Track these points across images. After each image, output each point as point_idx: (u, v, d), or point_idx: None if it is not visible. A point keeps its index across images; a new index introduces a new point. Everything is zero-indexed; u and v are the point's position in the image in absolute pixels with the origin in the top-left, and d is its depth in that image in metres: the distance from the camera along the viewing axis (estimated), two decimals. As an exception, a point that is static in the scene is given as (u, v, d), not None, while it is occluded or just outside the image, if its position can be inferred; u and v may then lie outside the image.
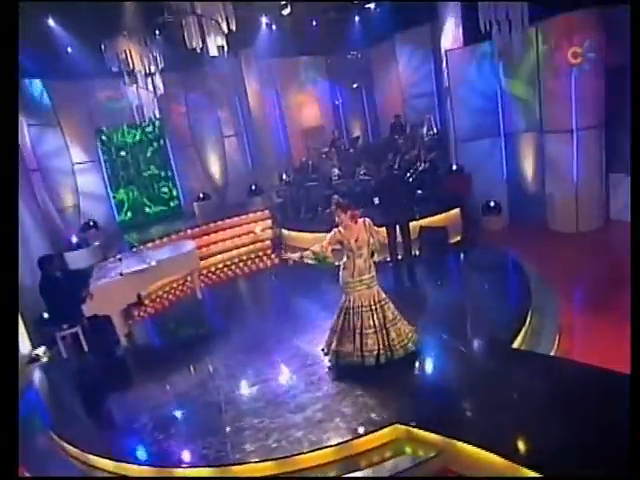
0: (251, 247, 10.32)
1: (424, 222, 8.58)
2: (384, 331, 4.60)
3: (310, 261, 4.58)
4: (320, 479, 3.54)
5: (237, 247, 10.27)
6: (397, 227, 7.29)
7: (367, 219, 4.65)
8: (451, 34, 9.92)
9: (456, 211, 9.27)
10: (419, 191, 9.48)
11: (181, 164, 12.45)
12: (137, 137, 11.98)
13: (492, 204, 9.28)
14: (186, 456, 3.95)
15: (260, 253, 10.06)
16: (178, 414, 4.61)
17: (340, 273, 4.69)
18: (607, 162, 7.99)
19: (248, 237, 10.54)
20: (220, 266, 9.67)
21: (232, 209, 11.54)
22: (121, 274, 6.23)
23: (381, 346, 4.57)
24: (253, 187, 11.53)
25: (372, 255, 4.67)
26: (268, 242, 10.45)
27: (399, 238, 7.38)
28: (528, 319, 5.19)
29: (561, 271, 6.69)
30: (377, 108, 13.59)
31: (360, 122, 14.00)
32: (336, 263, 4.73)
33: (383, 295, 4.69)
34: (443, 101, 11.14)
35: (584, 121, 7.79)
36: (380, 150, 11.74)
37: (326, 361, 4.88)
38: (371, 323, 4.56)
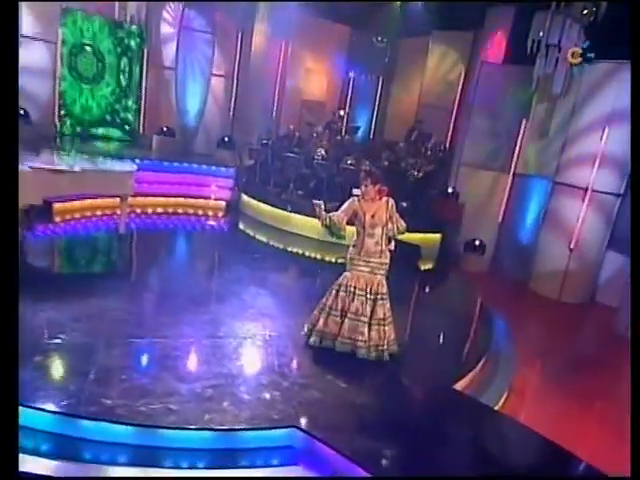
0: (201, 201, 9.85)
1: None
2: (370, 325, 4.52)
3: (323, 226, 4.49)
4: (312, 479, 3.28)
5: (186, 196, 9.75)
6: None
7: (392, 200, 4.57)
8: (493, 47, 9.90)
9: (436, 236, 9.19)
10: (404, 203, 9.35)
11: (153, 87, 11.77)
12: (111, 36, 11.20)
13: (477, 242, 9.20)
14: (30, 395, 3.42)
15: (210, 212, 9.59)
16: (40, 344, 4.08)
17: (349, 250, 4.61)
18: (611, 237, 8.02)
19: (203, 190, 10.10)
20: (159, 210, 9.11)
21: (195, 155, 11.02)
22: (30, 167, 5.62)
23: (368, 338, 4.49)
24: (226, 139, 11.06)
25: (389, 242, 4.62)
26: (222, 203, 10.02)
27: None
28: (479, 366, 5.02)
29: (529, 333, 6.63)
30: (389, 105, 13.44)
31: (366, 114, 13.80)
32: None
33: (384, 290, 4.57)
34: (460, 119, 11.11)
35: (603, 184, 7.81)
36: (377, 148, 11.59)
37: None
38: (365, 311, 4.48)
